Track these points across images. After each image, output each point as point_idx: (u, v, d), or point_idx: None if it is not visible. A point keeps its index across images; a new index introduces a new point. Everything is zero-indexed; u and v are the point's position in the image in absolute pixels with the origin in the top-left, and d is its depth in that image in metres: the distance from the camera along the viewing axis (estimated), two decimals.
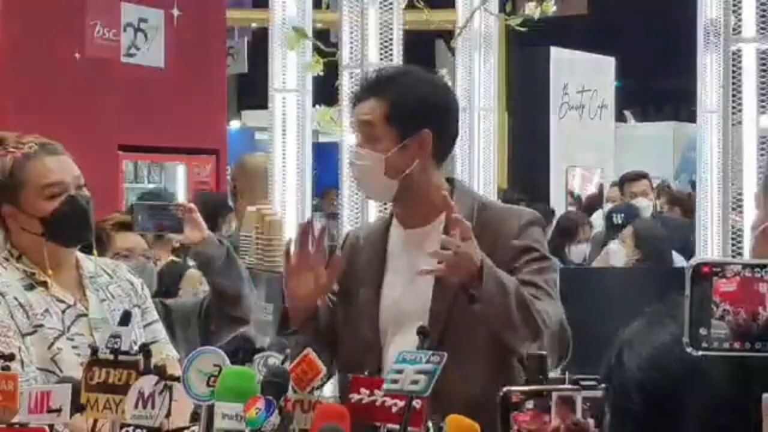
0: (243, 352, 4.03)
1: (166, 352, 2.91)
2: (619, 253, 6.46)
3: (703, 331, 1.24)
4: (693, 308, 1.24)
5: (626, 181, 8.53)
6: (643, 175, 8.52)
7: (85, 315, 2.84)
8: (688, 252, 6.85)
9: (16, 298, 2.77)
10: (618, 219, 7.41)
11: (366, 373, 2.13)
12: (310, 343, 2.78)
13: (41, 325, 2.76)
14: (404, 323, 2.78)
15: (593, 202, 12.03)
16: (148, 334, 2.93)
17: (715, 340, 1.24)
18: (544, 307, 2.72)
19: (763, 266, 1.25)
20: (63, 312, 2.81)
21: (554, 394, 1.88)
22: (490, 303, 2.62)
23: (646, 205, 8.05)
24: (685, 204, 8.64)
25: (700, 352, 1.23)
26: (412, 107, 2.80)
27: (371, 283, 2.89)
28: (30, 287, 2.81)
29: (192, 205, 3.51)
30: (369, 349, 2.83)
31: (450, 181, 2.96)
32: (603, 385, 1.45)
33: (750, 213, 4.13)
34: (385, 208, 4.75)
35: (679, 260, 6.50)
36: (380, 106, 2.79)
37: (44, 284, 2.83)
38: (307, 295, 2.80)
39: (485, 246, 2.73)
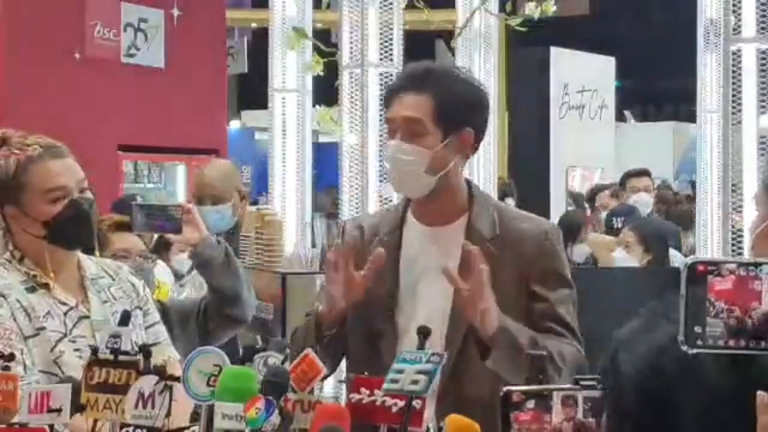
0: (243, 349, 4.04)
1: (168, 354, 2.91)
2: (626, 261, 6.36)
3: (698, 329, 1.24)
4: (688, 307, 1.25)
5: (629, 176, 8.56)
6: (645, 172, 8.54)
7: (87, 317, 2.83)
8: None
9: (18, 301, 2.76)
10: (618, 222, 7.39)
11: (366, 373, 2.13)
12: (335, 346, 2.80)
13: (43, 328, 2.75)
14: (422, 321, 2.76)
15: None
16: (149, 336, 2.92)
17: (710, 338, 1.24)
18: (563, 349, 2.71)
19: (757, 265, 1.26)
20: (65, 314, 2.81)
21: (556, 394, 1.88)
22: (501, 365, 2.62)
23: (646, 200, 8.05)
24: (670, 205, 8.64)
25: (695, 350, 1.24)
26: (457, 105, 2.81)
27: (386, 278, 2.84)
28: (32, 289, 2.81)
29: (190, 206, 3.51)
30: (384, 341, 2.81)
31: (467, 182, 2.95)
32: (600, 386, 1.45)
33: (750, 213, 4.13)
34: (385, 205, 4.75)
35: (676, 255, 6.48)
36: (426, 102, 2.78)
37: (46, 286, 2.82)
38: (344, 297, 2.78)
39: (509, 259, 2.78)
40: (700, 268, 1.26)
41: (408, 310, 2.83)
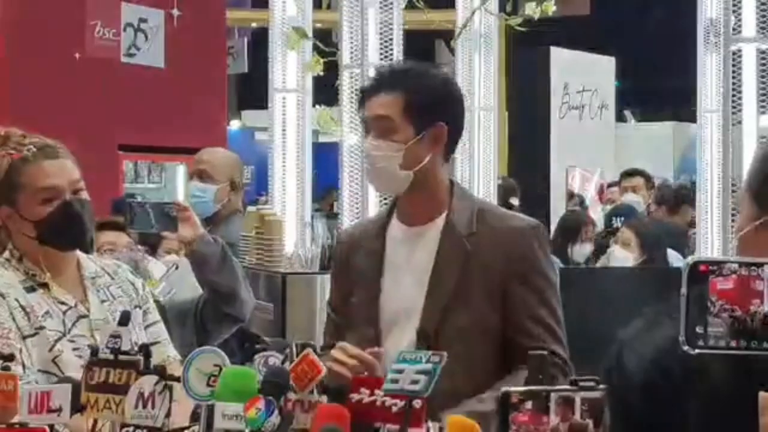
0: (241, 344, 4.03)
1: (168, 353, 2.90)
2: (623, 259, 6.33)
3: (699, 330, 1.24)
4: (689, 306, 1.25)
5: (624, 176, 8.65)
6: (639, 172, 8.59)
7: (86, 316, 2.83)
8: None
9: (17, 300, 2.76)
10: (618, 222, 7.39)
11: (365, 373, 2.13)
12: None
13: (42, 327, 2.75)
14: (399, 319, 2.79)
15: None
16: (149, 335, 2.92)
17: (711, 338, 1.24)
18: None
19: (759, 265, 1.25)
20: (64, 313, 2.80)
21: (554, 395, 1.88)
22: None
23: (635, 200, 8.11)
24: (670, 203, 8.65)
25: (697, 351, 1.24)
26: (429, 100, 2.82)
27: (371, 279, 2.87)
28: (31, 289, 2.80)
29: (186, 204, 3.51)
30: (369, 345, 2.82)
31: (451, 182, 2.95)
32: (602, 386, 1.45)
33: None
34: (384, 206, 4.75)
35: (673, 256, 6.47)
36: (397, 99, 2.80)
37: (45, 286, 2.82)
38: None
39: (486, 256, 2.76)
40: (702, 267, 1.26)
41: (388, 312, 2.84)
